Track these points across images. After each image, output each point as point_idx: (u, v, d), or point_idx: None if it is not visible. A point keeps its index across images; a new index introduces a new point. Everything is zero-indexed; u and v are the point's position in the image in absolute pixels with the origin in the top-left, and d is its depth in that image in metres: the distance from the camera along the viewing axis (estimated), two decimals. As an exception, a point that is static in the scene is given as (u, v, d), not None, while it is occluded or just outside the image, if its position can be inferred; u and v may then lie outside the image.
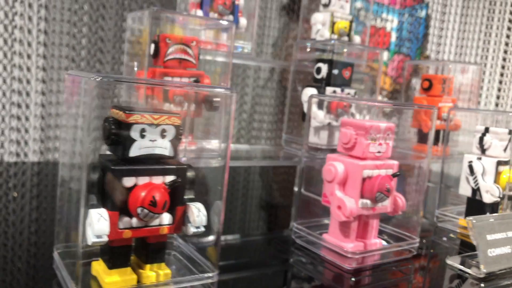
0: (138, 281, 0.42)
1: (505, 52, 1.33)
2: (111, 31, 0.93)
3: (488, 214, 0.67)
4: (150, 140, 0.41)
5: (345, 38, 0.99)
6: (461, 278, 0.55)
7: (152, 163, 0.41)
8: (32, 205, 0.64)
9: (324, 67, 0.78)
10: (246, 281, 0.50)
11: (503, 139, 0.71)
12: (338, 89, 0.79)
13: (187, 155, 0.65)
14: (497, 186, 0.69)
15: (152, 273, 0.43)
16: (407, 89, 1.02)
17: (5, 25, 0.85)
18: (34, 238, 0.54)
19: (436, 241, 0.70)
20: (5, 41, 0.85)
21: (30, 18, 0.87)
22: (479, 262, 0.55)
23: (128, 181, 0.40)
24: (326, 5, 0.99)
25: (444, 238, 0.70)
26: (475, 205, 0.71)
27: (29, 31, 0.86)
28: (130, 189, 0.40)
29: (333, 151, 0.62)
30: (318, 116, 0.75)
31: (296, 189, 0.69)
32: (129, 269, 0.43)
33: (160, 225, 0.42)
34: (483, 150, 0.72)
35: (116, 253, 0.42)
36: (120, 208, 0.40)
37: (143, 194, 0.39)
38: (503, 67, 1.34)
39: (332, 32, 0.97)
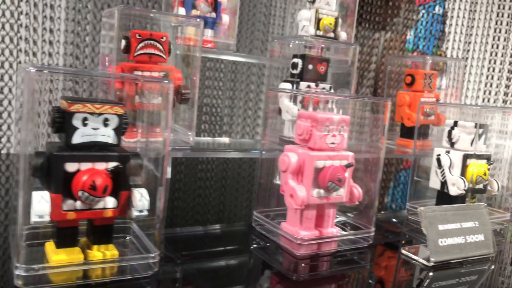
0: (85, 260, 0.45)
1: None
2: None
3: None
4: (93, 128, 0.44)
5: (331, 35, 1.00)
6: (412, 267, 0.57)
7: (96, 150, 0.44)
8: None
9: (299, 62, 0.79)
10: (204, 269, 0.52)
11: (471, 132, 0.72)
12: (312, 84, 0.81)
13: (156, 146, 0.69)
14: (462, 179, 0.70)
15: (99, 253, 0.46)
16: (389, 84, 1.03)
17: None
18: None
19: (399, 232, 0.71)
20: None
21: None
22: (429, 251, 0.56)
23: (71, 167, 0.43)
24: (312, 2, 1.01)
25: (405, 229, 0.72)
26: (444, 198, 0.72)
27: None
28: (73, 174, 0.43)
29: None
30: (291, 110, 0.77)
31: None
32: (77, 249, 0.46)
33: (104, 208, 0.45)
34: (452, 144, 0.73)
35: (62, 234, 0.45)
36: (63, 191, 0.43)
37: (84, 178, 0.42)
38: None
39: (318, 28, 0.99)
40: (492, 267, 0.60)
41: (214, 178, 0.93)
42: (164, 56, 0.68)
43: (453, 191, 0.70)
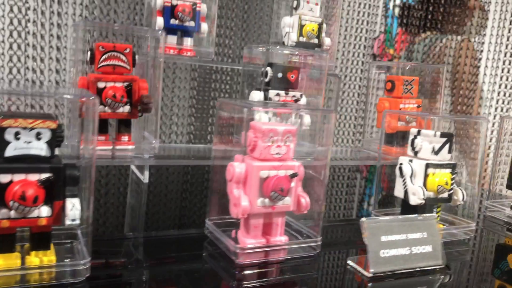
0: (22, 265, 0.48)
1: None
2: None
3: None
4: (25, 142, 0.46)
5: (315, 41, 1.01)
6: (354, 277, 0.57)
7: (29, 162, 0.47)
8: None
9: (268, 70, 0.81)
10: (140, 276, 0.55)
11: (433, 141, 0.72)
12: (282, 92, 0.82)
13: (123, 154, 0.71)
14: (422, 188, 0.69)
15: (36, 259, 0.49)
16: (372, 90, 1.02)
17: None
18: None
19: (355, 241, 0.72)
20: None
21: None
22: (369, 262, 0.56)
23: (4, 178, 0.46)
24: (295, 8, 1.02)
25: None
26: (408, 207, 0.72)
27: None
28: (6, 185, 0.46)
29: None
30: (262, 119, 0.78)
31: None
32: (15, 254, 0.49)
33: (38, 217, 0.48)
34: (415, 153, 0.73)
35: (0, 240, 0.48)
36: (-4, 200, 0.46)
37: (15, 189, 0.45)
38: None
39: (301, 35, 1.00)
40: (442, 278, 0.60)
41: (186, 184, 0.95)
42: (127, 67, 0.70)
43: (413, 200, 0.70)
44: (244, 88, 0.83)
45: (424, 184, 0.71)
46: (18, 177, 0.46)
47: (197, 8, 0.90)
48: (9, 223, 0.46)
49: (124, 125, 0.72)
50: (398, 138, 0.95)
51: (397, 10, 1.34)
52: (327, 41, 1.03)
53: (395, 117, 0.95)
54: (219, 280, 0.56)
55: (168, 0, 0.86)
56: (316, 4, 1.02)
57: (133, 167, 0.90)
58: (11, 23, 0.92)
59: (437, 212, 0.74)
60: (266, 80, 0.81)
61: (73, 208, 0.48)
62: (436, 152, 0.72)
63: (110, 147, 0.71)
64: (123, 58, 0.70)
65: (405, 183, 0.72)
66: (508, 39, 1.34)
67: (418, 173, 0.71)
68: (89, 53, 0.69)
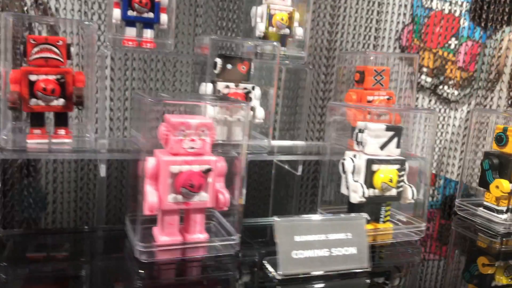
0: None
1: None
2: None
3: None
4: None
5: (286, 31, 0.97)
6: (267, 278, 0.54)
7: None
8: None
9: (218, 62, 0.78)
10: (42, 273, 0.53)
11: (379, 135, 0.67)
12: (231, 84, 0.79)
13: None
14: (362, 185, 0.65)
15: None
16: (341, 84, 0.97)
17: None
18: None
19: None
20: None
21: None
22: (278, 263, 0.53)
23: None
24: (265, -3, 0.98)
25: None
26: (352, 205, 0.68)
27: None
28: None
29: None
30: (208, 112, 0.76)
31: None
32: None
33: None
34: (363, 148, 0.68)
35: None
36: None
37: None
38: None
39: (270, 25, 0.96)
40: (366, 282, 0.56)
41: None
42: (61, 59, 0.69)
43: (353, 198, 0.66)
44: (195, 80, 0.80)
45: (370, 181, 0.66)
46: None
47: (156, -1, 0.88)
48: None
49: (60, 118, 0.71)
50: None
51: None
52: (299, 31, 0.99)
53: (361, 110, 0.90)
54: (120, 279, 0.54)
55: (125, -9, 0.84)
56: (288, -8, 0.98)
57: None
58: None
59: (386, 211, 0.69)
60: (216, 71, 0.78)
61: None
62: (382, 147, 0.67)
63: (46, 141, 0.71)
64: (56, 50, 0.69)
65: (347, 179, 0.67)
66: None
67: (361, 169, 0.67)
68: (22, 46, 0.68)
